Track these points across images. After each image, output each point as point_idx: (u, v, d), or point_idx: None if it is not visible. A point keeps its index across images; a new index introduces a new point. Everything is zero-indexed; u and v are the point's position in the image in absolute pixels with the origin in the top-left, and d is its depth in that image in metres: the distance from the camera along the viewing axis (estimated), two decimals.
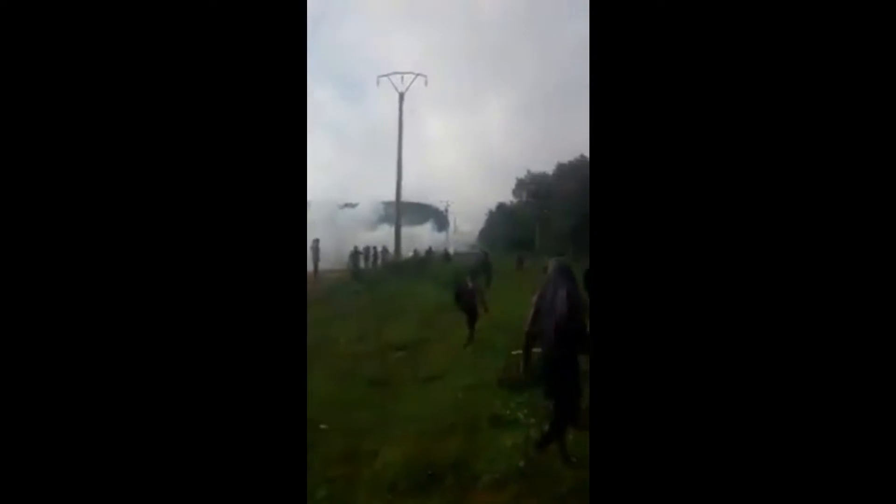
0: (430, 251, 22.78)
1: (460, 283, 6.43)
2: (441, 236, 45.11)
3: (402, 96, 20.39)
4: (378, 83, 20.91)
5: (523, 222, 34.21)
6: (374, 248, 16.34)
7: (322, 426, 3.72)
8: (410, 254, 22.45)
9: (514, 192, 37.19)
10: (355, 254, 15.90)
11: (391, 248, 20.25)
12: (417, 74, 20.85)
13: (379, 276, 15.48)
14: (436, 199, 50.25)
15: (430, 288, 12.63)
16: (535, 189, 33.31)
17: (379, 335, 6.94)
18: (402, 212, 21.20)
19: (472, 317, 6.00)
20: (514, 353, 4.88)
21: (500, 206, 41.33)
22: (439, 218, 50.07)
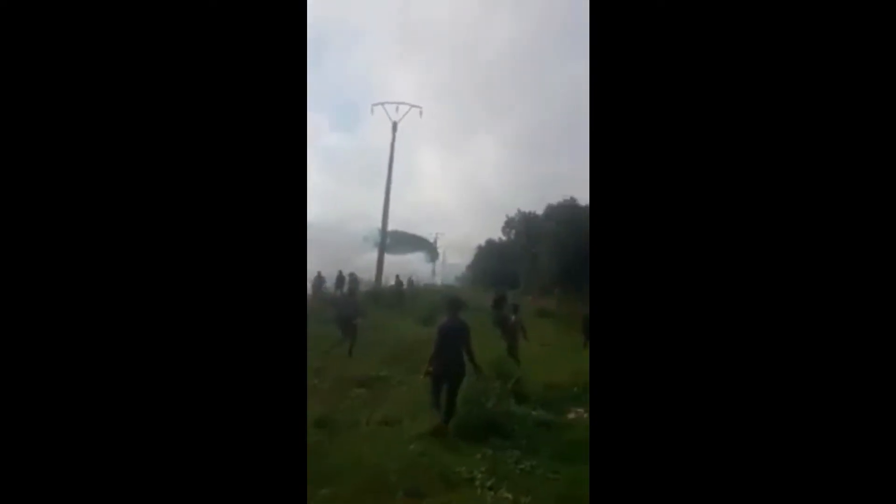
0: (410, 282, 21.91)
1: (504, 315, 7.31)
2: (429, 267, 44.86)
3: (395, 126, 20.49)
4: (372, 111, 21.04)
5: (511, 259, 34.19)
6: (348, 274, 15.14)
7: None
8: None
9: (503, 230, 37.37)
10: (319, 279, 14.82)
11: (386, 276, 19.60)
12: (412, 106, 21.05)
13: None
14: (426, 231, 50.51)
15: (406, 321, 12.19)
16: (523, 228, 33.50)
17: (341, 369, 6.49)
18: (392, 241, 20.72)
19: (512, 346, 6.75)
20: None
21: (490, 242, 41.39)
22: (430, 249, 49.96)
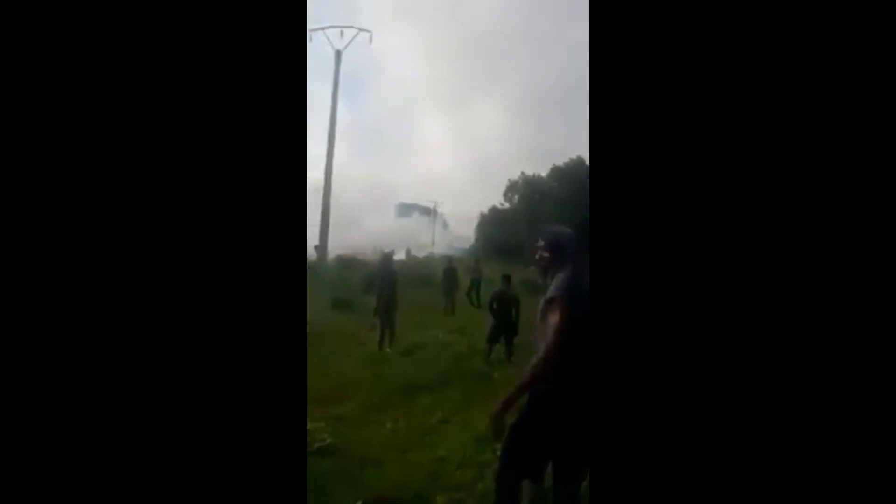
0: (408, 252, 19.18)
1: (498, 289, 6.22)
2: (429, 237, 42.40)
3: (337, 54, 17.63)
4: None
5: (515, 228, 31.44)
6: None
7: None
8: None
9: (506, 195, 34.36)
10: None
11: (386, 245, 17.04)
12: (359, 29, 18.38)
13: None
14: (427, 199, 48.04)
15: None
16: (527, 193, 30.52)
17: None
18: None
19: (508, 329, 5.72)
20: None
21: (493, 210, 38.49)
22: (429, 218, 47.31)
